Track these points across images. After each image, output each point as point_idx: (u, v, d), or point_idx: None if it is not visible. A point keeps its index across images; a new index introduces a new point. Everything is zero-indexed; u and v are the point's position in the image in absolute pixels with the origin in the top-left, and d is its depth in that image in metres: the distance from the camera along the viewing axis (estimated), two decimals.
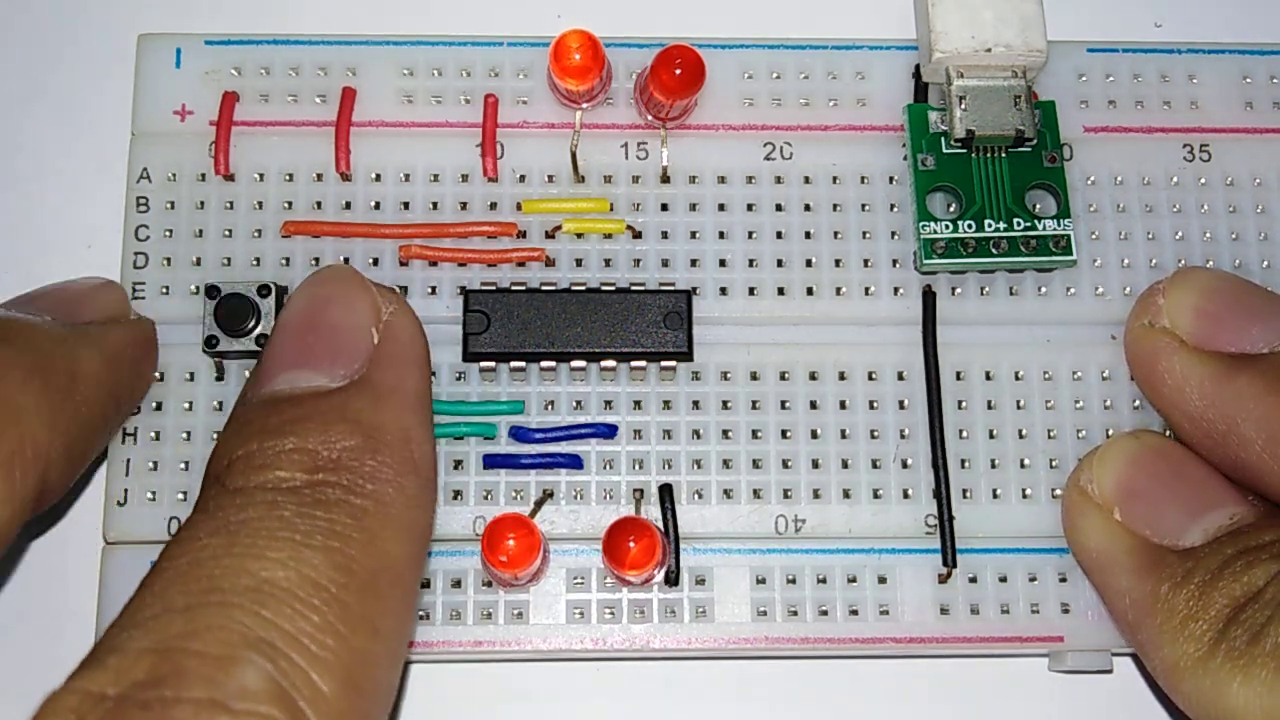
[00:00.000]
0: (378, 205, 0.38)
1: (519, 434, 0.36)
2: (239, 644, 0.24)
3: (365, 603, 0.26)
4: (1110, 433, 0.37)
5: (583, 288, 0.37)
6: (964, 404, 0.37)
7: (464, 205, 0.38)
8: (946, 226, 0.37)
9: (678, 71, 0.36)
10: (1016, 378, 0.38)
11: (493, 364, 0.37)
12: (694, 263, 0.38)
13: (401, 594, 0.28)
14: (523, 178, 0.38)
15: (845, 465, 0.37)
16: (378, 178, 0.38)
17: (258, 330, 0.36)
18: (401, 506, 0.29)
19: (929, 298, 0.38)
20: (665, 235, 0.38)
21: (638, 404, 0.37)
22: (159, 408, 0.36)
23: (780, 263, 0.38)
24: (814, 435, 0.37)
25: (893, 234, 0.38)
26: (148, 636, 0.24)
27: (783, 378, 0.37)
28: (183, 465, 0.36)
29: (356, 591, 0.26)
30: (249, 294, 0.36)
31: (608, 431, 0.37)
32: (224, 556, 0.26)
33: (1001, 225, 0.37)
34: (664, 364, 0.37)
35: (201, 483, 0.30)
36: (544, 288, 0.37)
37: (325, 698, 0.25)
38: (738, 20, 0.41)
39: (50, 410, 0.30)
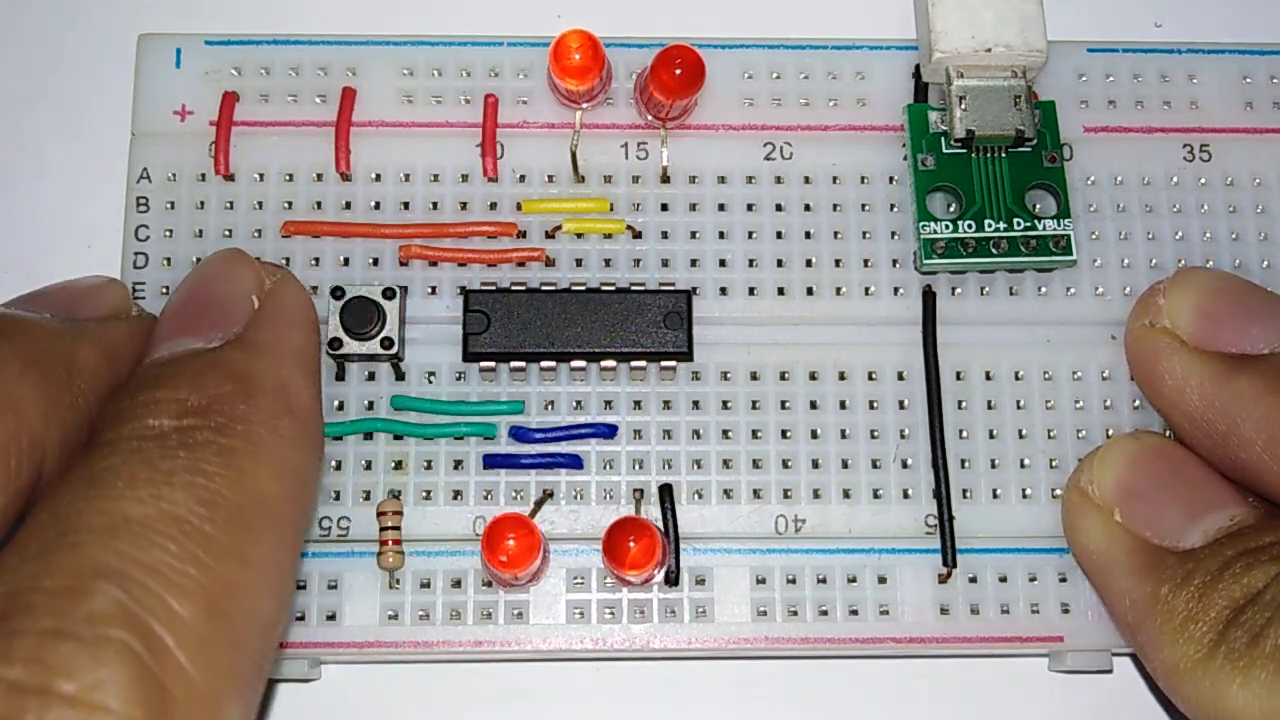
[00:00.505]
0: (378, 205, 0.38)
1: (519, 434, 0.36)
2: (88, 575, 0.24)
3: (232, 534, 0.26)
4: (1110, 433, 0.37)
5: (583, 288, 0.37)
6: (964, 404, 0.37)
7: (464, 205, 0.38)
8: (946, 226, 0.37)
9: (678, 71, 0.36)
10: (1016, 378, 0.38)
11: (493, 364, 0.37)
12: (694, 263, 0.38)
13: (276, 527, 0.28)
14: (523, 178, 0.38)
15: (845, 465, 0.37)
16: (378, 178, 0.38)
17: None
18: (275, 446, 0.29)
19: (929, 298, 0.38)
20: (665, 235, 0.38)
21: (638, 404, 0.37)
22: None
23: (780, 263, 0.38)
24: (814, 435, 0.37)
25: (893, 234, 0.38)
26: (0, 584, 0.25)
27: (783, 378, 0.37)
28: None
29: (222, 524, 0.26)
30: None
31: (608, 431, 0.37)
32: (80, 501, 0.26)
33: (1001, 225, 0.37)
34: (664, 364, 0.37)
35: None
36: (544, 288, 0.37)
37: (184, 621, 0.24)
38: (738, 20, 0.41)
39: (47, 402, 0.30)
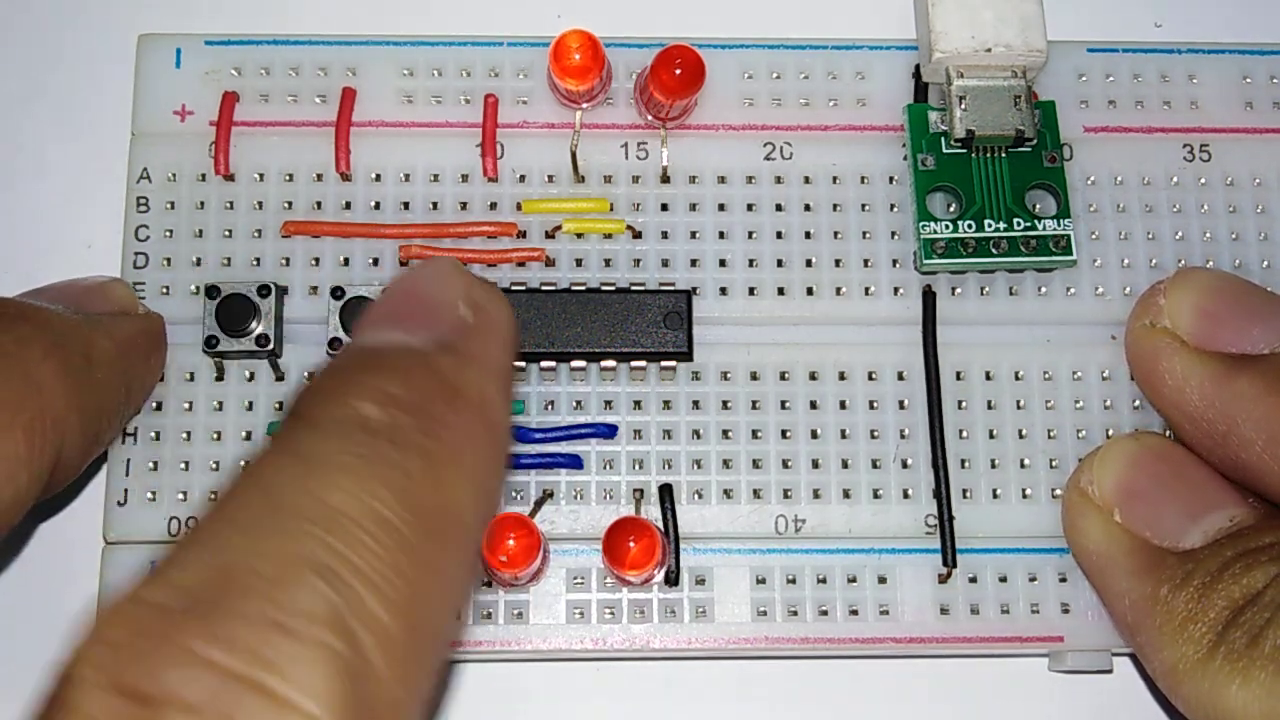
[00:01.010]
0: (378, 205, 0.38)
1: (519, 434, 0.36)
2: (302, 566, 0.24)
3: (430, 545, 0.26)
4: (1110, 433, 0.37)
5: (583, 288, 0.37)
6: (964, 404, 0.37)
7: (464, 205, 0.38)
8: (946, 226, 0.37)
9: (678, 71, 0.36)
10: (1016, 378, 0.38)
11: None
12: (694, 263, 0.38)
13: (466, 544, 0.28)
14: (523, 178, 0.38)
15: (845, 465, 0.37)
16: (378, 178, 0.38)
17: (258, 330, 0.36)
18: (473, 460, 0.28)
19: (929, 298, 0.38)
20: (665, 235, 0.38)
21: (638, 404, 0.37)
22: (159, 408, 0.36)
23: (780, 263, 0.38)
24: (814, 435, 0.37)
25: (893, 234, 0.38)
26: (209, 553, 0.24)
27: (783, 378, 0.37)
28: (183, 465, 0.36)
29: (422, 532, 0.26)
30: (249, 294, 0.36)
31: (608, 431, 0.37)
32: (291, 481, 0.25)
33: (1001, 225, 0.37)
34: (664, 364, 0.37)
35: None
36: (544, 288, 0.37)
37: (386, 630, 0.24)
38: (738, 20, 0.41)
39: (66, 387, 0.30)
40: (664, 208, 0.38)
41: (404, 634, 0.24)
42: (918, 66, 0.39)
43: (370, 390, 0.28)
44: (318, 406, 0.28)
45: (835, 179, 0.39)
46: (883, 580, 0.36)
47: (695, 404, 0.37)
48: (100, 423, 0.32)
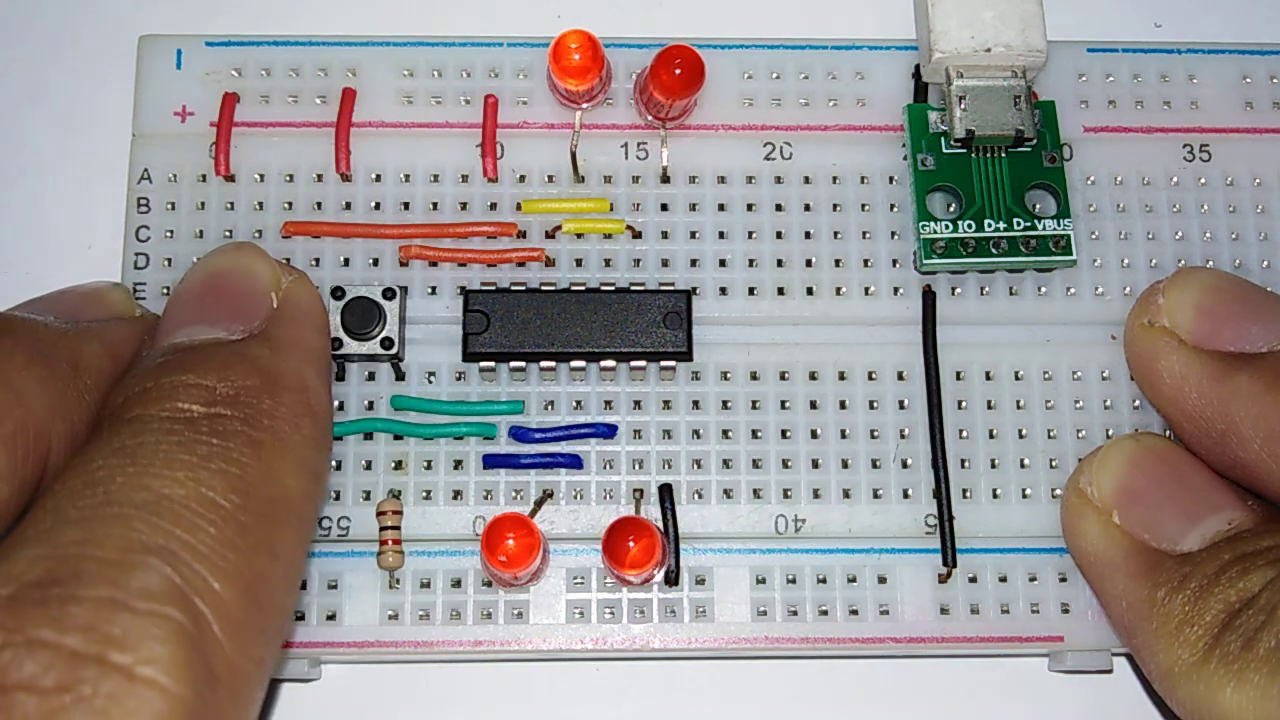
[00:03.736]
0: (378, 205, 0.38)
1: (519, 434, 0.37)
2: (138, 549, 0.24)
3: (262, 525, 0.27)
4: (1110, 433, 0.37)
5: (583, 288, 0.37)
6: (964, 404, 0.37)
7: (464, 205, 0.38)
8: (946, 226, 0.37)
9: (678, 71, 0.36)
10: (1016, 378, 0.38)
11: (493, 364, 0.37)
12: (694, 263, 0.38)
13: (297, 523, 0.29)
14: (523, 178, 0.38)
15: (845, 465, 0.37)
16: (378, 178, 0.38)
17: None
18: (297, 444, 0.29)
19: (929, 298, 0.38)
20: (665, 235, 0.38)
21: (637, 404, 0.37)
22: None
23: (780, 263, 0.38)
24: (814, 435, 0.37)
25: (893, 234, 0.38)
26: (41, 546, 0.25)
27: (783, 378, 0.37)
28: None
29: (253, 514, 0.27)
30: None
31: (608, 431, 0.37)
32: (119, 474, 0.26)
33: (1001, 225, 0.37)
34: (664, 364, 0.37)
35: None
36: (544, 288, 0.37)
37: (225, 604, 0.25)
38: (738, 20, 0.41)
39: (51, 396, 0.30)
40: (664, 208, 0.38)
41: (241, 606, 0.25)
42: (918, 66, 0.39)
43: (190, 387, 0.29)
44: (137, 405, 0.29)
45: (835, 179, 0.39)
46: (883, 580, 0.36)
47: (695, 404, 0.37)
48: (90, 430, 0.32)
